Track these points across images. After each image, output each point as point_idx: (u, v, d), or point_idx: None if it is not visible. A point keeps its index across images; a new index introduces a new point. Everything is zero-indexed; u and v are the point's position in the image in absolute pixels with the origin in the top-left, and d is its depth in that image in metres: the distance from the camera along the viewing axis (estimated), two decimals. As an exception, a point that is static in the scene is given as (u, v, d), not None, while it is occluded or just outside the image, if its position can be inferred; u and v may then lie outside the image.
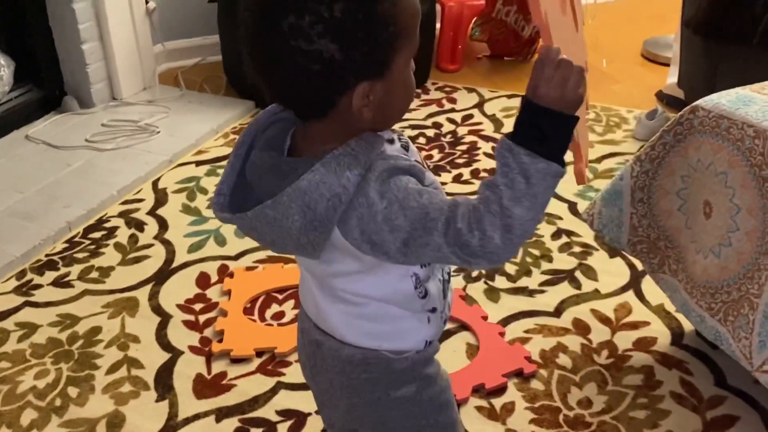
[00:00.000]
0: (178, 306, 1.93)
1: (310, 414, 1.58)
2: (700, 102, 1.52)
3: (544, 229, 2.14)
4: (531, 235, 0.83)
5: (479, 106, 2.86)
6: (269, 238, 0.92)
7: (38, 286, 2.03)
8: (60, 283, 2.04)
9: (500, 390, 1.62)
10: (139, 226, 2.27)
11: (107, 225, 2.28)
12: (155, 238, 2.21)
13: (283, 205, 0.86)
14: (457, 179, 2.40)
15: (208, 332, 1.84)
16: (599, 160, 2.48)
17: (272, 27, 0.83)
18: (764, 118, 1.38)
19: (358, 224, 0.86)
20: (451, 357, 1.70)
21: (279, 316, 1.89)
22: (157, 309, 1.93)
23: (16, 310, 1.95)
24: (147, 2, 3.04)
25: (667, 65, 2.96)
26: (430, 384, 1.03)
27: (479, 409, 1.58)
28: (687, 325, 1.76)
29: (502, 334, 1.78)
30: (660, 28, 3.28)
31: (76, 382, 1.71)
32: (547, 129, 0.81)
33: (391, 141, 0.92)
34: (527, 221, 0.81)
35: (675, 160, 1.56)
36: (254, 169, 0.93)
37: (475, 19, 3.15)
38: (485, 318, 1.82)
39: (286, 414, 1.59)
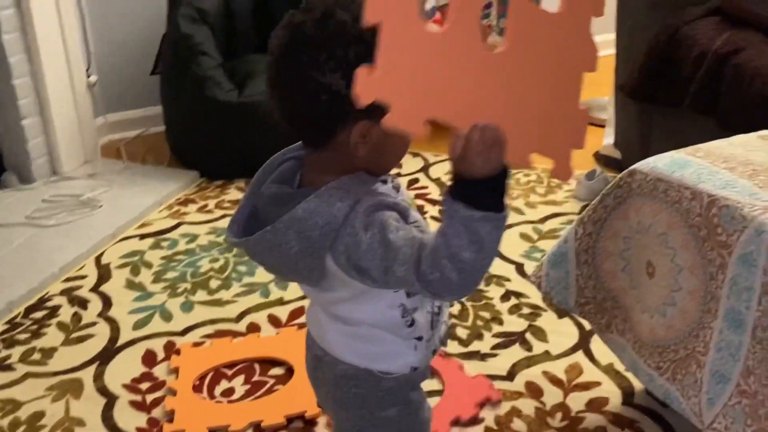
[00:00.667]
0: (125, 386, 1.88)
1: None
2: (637, 165, 1.56)
3: (493, 292, 2.15)
4: (487, 271, 0.92)
5: (424, 170, 2.90)
6: (271, 263, 1.04)
7: (-24, 371, 1.96)
8: (0, 366, 1.97)
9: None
10: (82, 303, 2.22)
11: (49, 304, 2.22)
12: (99, 315, 2.16)
13: (281, 231, 0.98)
14: (405, 245, 2.41)
15: (156, 412, 1.78)
16: (542, 221, 2.52)
17: (294, 57, 0.96)
18: (699, 181, 1.43)
19: (345, 251, 0.96)
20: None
21: (229, 392, 1.85)
22: (103, 390, 1.87)
23: (-48, 397, 1.88)
24: (89, 75, 3.03)
25: (602, 126, 3.05)
26: (413, 411, 1.13)
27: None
28: (637, 384, 1.78)
29: (461, 368, 1.84)
30: (593, 91, 3.39)
31: (18, 472, 1.64)
32: (473, 192, 0.89)
33: (384, 181, 1.03)
34: (478, 262, 0.90)
35: (616, 222, 1.60)
36: (261, 199, 1.05)
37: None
38: (442, 355, 1.86)
39: (239, 495, 1.55)
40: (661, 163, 1.52)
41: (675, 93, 2.38)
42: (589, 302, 1.67)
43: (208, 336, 2.05)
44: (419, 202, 2.68)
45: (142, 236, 2.57)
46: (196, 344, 2.02)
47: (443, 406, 1.72)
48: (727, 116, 2.22)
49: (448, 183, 0.91)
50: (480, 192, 0.89)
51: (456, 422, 1.68)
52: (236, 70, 2.96)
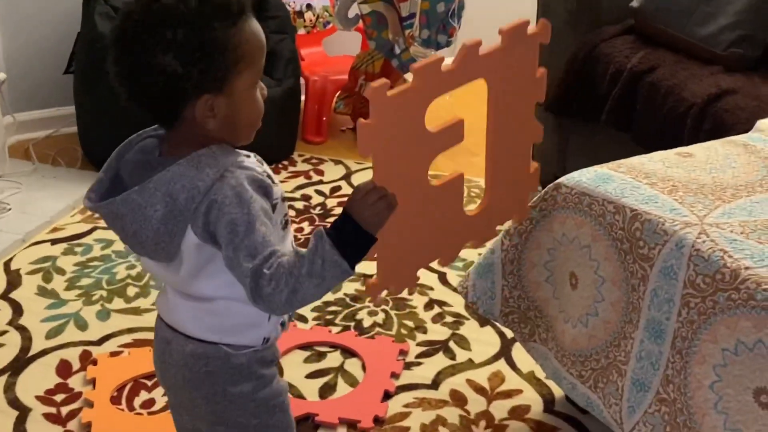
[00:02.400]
0: (38, 398, 1.80)
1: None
2: (562, 179, 1.61)
3: (417, 300, 2.17)
4: (307, 304, 1.05)
5: (346, 177, 2.90)
6: (132, 229, 1.05)
7: None
8: None
9: None
10: (-9, 311, 2.12)
11: (-46, 312, 2.11)
12: (9, 324, 2.06)
13: (149, 191, 1.02)
14: (328, 252, 2.40)
15: (72, 425, 1.72)
16: (464, 230, 2.56)
17: (128, 44, 1.03)
18: (622, 195, 1.48)
19: (206, 216, 1.02)
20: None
21: (149, 404, 1.80)
22: (14, 402, 1.79)
23: None
24: (-4, 73, 2.90)
25: (521, 138, 3.12)
26: (266, 385, 1.17)
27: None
28: (557, 392, 1.83)
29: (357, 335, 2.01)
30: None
31: None
32: (350, 236, 1.03)
33: (248, 156, 1.10)
34: (310, 294, 1.03)
35: (541, 234, 1.64)
36: (126, 165, 1.09)
37: (338, 93, 3.21)
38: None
39: None
40: (585, 178, 1.57)
41: (591, 108, 2.46)
42: (514, 312, 1.71)
43: (126, 345, 1.99)
44: (341, 209, 2.67)
45: (54, 241, 2.47)
46: (114, 354, 1.95)
47: (367, 383, 1.86)
48: (641, 132, 2.31)
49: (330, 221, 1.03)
50: (353, 235, 1.04)
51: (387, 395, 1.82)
52: (154, 71, 2.89)
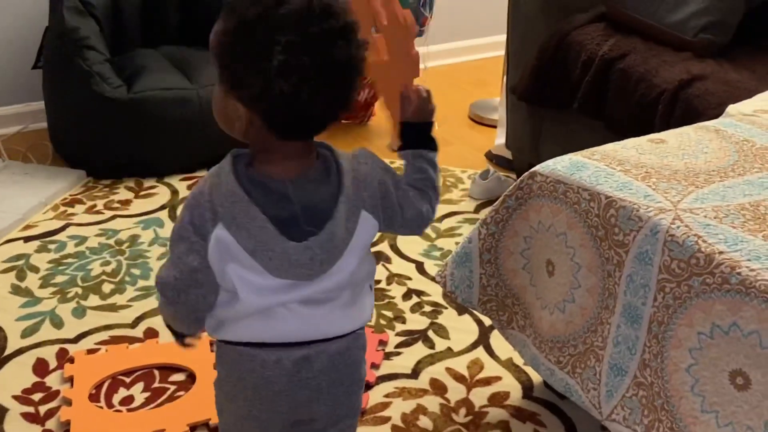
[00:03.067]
0: (15, 397, 1.78)
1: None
2: (537, 168, 1.62)
3: (396, 291, 2.18)
4: None
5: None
6: (336, 245, 1.07)
7: None
8: None
9: None
10: (-36, 311, 2.09)
11: (-74, 313, 2.08)
12: (-17, 324, 2.05)
13: (348, 189, 1.07)
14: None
15: (51, 424, 1.71)
16: (440, 219, 2.57)
17: (351, 42, 1.04)
18: (597, 182, 1.50)
19: (368, 189, 1.10)
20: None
21: (128, 400, 1.79)
22: (-9, 403, 1.78)
23: None
24: (-37, 69, 2.85)
25: (494, 127, 3.13)
26: None
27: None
28: (536, 378, 1.85)
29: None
30: (483, 92, 3.48)
31: None
32: (425, 134, 1.20)
33: None
34: (438, 189, 1.21)
35: (518, 222, 1.65)
36: (299, 198, 1.06)
37: (311, 84, 3.20)
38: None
39: (144, 507, 1.51)
40: (560, 165, 1.58)
41: (564, 96, 2.47)
42: (492, 300, 1.72)
43: (103, 342, 1.98)
44: (317, 201, 2.67)
45: (27, 239, 2.44)
46: (91, 351, 1.94)
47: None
48: (613, 119, 2.33)
49: (399, 143, 1.19)
50: (426, 131, 1.20)
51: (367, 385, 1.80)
52: (124, 65, 2.86)
